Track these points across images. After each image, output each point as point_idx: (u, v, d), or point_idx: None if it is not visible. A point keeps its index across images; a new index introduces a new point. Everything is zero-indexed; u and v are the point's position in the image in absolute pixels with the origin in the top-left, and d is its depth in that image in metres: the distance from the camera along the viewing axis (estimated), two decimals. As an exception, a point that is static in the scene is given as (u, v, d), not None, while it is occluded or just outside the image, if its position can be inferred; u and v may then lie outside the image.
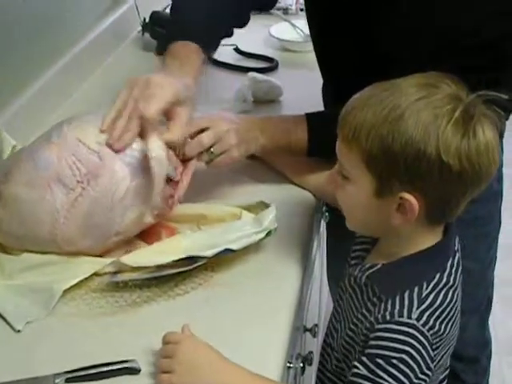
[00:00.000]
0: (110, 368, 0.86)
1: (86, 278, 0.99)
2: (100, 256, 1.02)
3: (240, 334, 0.92)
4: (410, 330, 0.84)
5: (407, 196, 0.85)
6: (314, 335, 1.31)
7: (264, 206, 1.04)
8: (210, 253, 0.96)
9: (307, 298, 1.31)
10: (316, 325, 1.33)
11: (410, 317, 0.85)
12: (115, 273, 0.99)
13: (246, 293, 0.99)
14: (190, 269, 0.97)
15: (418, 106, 0.83)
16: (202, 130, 1.09)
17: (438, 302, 0.87)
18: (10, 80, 1.28)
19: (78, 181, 0.95)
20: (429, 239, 0.90)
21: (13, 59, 1.28)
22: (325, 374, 1.02)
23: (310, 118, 1.18)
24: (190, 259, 0.96)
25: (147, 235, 1.07)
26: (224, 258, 1.00)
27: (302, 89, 1.48)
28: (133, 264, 0.97)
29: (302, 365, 1.08)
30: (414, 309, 0.86)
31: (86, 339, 0.92)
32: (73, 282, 0.97)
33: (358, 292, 0.94)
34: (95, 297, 0.98)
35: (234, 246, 0.97)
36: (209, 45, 1.17)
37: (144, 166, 0.97)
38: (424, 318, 0.85)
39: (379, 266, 0.91)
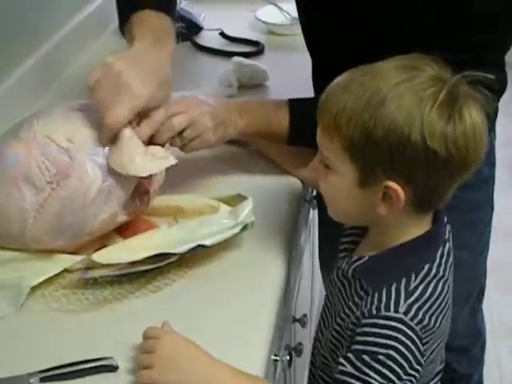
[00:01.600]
0: (86, 366, 0.84)
1: (57, 275, 0.96)
2: (73, 252, 0.99)
3: (220, 328, 0.90)
4: (398, 325, 0.81)
5: (392, 184, 0.81)
6: (304, 325, 1.29)
7: (241, 198, 1.01)
8: (181, 249, 0.93)
9: (296, 287, 1.29)
10: (305, 315, 1.30)
11: (397, 310, 0.82)
12: (86, 269, 0.97)
13: (224, 286, 0.96)
14: (160, 265, 0.94)
15: (401, 90, 0.80)
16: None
17: (427, 294, 0.84)
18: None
19: (47, 181, 0.92)
20: (417, 228, 0.87)
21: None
22: (316, 370, 1.00)
23: (292, 102, 1.14)
24: (162, 256, 0.93)
25: (124, 229, 1.04)
26: (201, 253, 0.97)
27: (289, 73, 1.45)
28: (103, 261, 0.95)
29: (288, 357, 1.05)
30: (402, 302, 0.83)
31: (58, 337, 0.90)
32: (41, 278, 0.94)
33: (346, 285, 0.90)
34: (65, 294, 0.95)
35: (207, 242, 0.94)
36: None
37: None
38: (412, 312, 0.82)
39: (366, 259, 0.88)
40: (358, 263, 0.88)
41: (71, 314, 0.92)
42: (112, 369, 0.84)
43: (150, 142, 1.02)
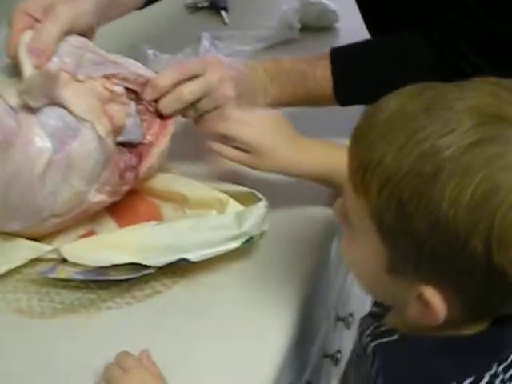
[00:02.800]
0: None
1: (21, 267, 0.79)
2: (51, 236, 0.82)
3: (216, 357, 0.71)
4: None
5: (429, 294, 0.56)
6: (349, 326, 1.09)
7: (255, 199, 0.79)
8: (158, 262, 0.74)
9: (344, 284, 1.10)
10: (351, 314, 1.09)
11: None
12: (57, 263, 0.79)
13: (222, 306, 0.76)
14: (134, 277, 0.75)
15: (470, 160, 0.52)
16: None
17: None
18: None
19: (-7, 151, 0.73)
20: (467, 326, 0.61)
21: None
22: None
23: (335, 52, 0.90)
24: (138, 265, 0.74)
25: (121, 211, 0.86)
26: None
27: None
28: (70, 258, 0.77)
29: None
30: None
31: (14, 345, 0.73)
32: (1, 269, 0.78)
33: (361, 362, 0.67)
34: (27, 292, 0.78)
35: (191, 257, 0.74)
36: None
37: (75, 127, 0.74)
38: None
39: (395, 338, 0.63)
40: (383, 340, 0.64)
41: (28, 316, 0.76)
42: None
43: (158, 113, 0.83)
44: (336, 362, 1.05)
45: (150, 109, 0.84)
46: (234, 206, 0.80)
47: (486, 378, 0.58)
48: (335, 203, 0.63)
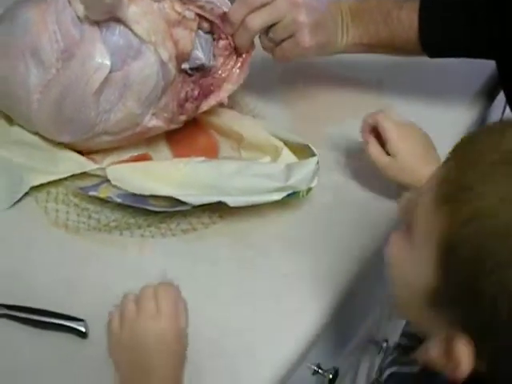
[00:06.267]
0: (54, 320, 0.67)
1: (67, 179, 0.79)
2: (105, 152, 0.80)
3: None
4: None
5: (460, 345, 0.51)
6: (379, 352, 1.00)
7: (309, 152, 0.74)
8: (196, 200, 0.71)
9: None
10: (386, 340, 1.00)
11: None
12: (101, 181, 0.78)
13: (254, 265, 0.73)
14: (168, 211, 0.73)
15: None
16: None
17: None
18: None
19: (55, 58, 0.71)
20: None
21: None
22: None
23: None
24: (174, 199, 0.72)
25: (179, 139, 0.84)
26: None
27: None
28: (114, 181, 0.75)
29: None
30: None
31: (43, 257, 0.73)
32: (44, 179, 0.78)
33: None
34: (67, 204, 0.77)
35: (229, 201, 0.70)
36: None
37: (137, 48, 0.71)
38: None
39: (415, 370, 0.59)
40: (402, 369, 0.60)
41: (63, 230, 0.75)
42: (80, 334, 0.67)
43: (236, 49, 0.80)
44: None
45: (232, 43, 0.81)
46: (287, 156, 0.76)
47: None
48: (401, 197, 0.59)
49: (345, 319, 0.77)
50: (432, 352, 0.54)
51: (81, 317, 0.67)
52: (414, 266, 0.54)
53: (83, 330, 0.67)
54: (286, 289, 0.71)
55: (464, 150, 0.52)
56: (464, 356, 0.51)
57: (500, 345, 0.50)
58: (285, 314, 0.69)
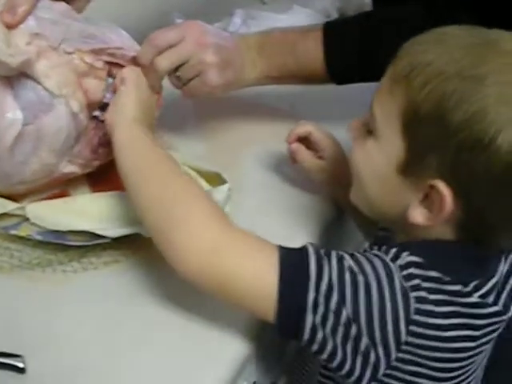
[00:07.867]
0: None
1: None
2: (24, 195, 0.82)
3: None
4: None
5: (440, 186, 0.61)
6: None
7: (220, 181, 0.78)
8: (114, 233, 0.74)
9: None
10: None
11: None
12: (22, 220, 0.79)
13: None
14: (87, 245, 0.75)
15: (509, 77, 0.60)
16: None
17: None
18: None
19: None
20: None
21: None
22: None
23: (329, 23, 0.87)
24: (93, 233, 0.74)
25: (96, 176, 0.86)
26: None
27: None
28: (33, 219, 0.77)
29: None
30: None
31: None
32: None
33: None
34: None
35: (144, 232, 0.73)
36: None
37: (48, 102, 0.73)
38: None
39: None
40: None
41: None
42: (18, 370, 0.68)
43: None
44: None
45: None
46: (201, 184, 0.79)
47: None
48: (351, 123, 0.70)
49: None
50: (412, 217, 0.63)
51: (18, 353, 0.69)
52: (380, 153, 0.65)
53: (21, 365, 0.68)
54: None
55: (407, 45, 0.65)
56: (445, 190, 0.60)
57: (469, 177, 0.60)
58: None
